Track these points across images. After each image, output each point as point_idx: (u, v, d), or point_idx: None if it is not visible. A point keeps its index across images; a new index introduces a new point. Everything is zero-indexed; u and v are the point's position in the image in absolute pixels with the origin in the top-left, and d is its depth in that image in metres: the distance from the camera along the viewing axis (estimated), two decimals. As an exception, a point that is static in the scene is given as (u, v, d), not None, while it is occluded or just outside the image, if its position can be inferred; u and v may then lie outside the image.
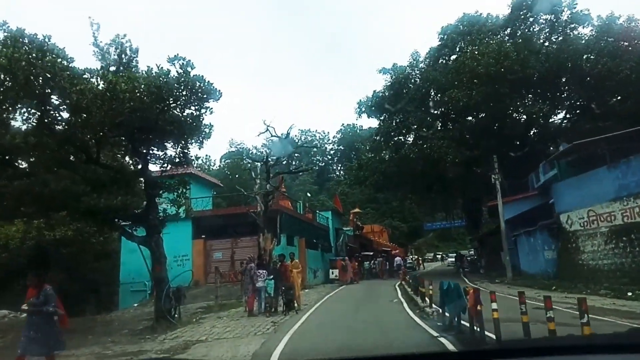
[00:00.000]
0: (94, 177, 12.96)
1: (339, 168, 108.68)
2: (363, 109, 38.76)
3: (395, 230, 79.04)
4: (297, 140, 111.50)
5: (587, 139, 20.94)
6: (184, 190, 14.27)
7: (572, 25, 31.99)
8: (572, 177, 22.02)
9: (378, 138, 39.65)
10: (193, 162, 14.20)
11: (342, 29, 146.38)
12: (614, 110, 27.23)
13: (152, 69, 11.78)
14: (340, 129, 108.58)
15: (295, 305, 14.87)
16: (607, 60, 27.44)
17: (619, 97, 27.43)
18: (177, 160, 14.20)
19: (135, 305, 21.26)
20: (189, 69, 12.04)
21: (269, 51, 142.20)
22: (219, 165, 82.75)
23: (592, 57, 28.36)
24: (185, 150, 14.03)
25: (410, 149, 33.88)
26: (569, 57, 28.43)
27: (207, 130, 13.82)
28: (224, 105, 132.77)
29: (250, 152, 71.79)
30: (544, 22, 33.60)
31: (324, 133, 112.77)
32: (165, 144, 13.73)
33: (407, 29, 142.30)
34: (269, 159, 21.29)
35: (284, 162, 22.64)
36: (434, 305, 12.09)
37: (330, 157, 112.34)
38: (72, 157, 13.22)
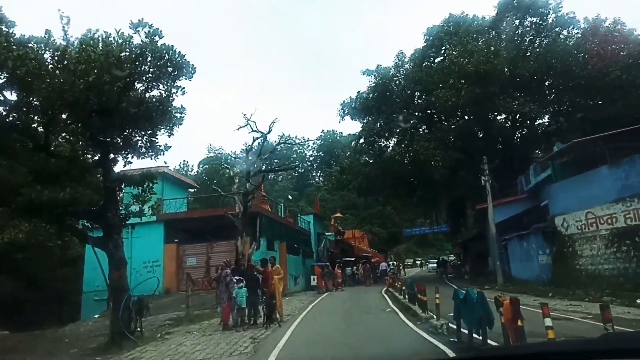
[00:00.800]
0: (41, 167, 10.80)
1: (318, 174, 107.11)
2: (346, 111, 37.18)
3: (375, 236, 77.65)
4: (276, 146, 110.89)
5: (577, 140, 19.75)
6: (150, 185, 12.18)
7: (558, 29, 31.16)
8: (569, 179, 20.77)
9: (361, 141, 38.15)
10: (162, 152, 12.02)
11: (325, 32, 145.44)
12: (603, 112, 26.24)
13: (110, 34, 9.70)
14: (320, 135, 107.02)
15: (277, 316, 12.91)
16: (597, 61, 26.57)
17: (608, 99, 26.46)
18: (143, 150, 12.13)
19: (97, 316, 18.86)
20: (156, 37, 10.04)
21: (248, 56, 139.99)
22: (197, 171, 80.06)
23: (580, 58, 27.49)
24: (154, 139, 11.97)
25: (395, 150, 32.38)
26: (558, 58, 27.47)
27: (178, 114, 11.82)
28: (202, 110, 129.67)
29: (229, 157, 69.44)
30: (529, 24, 32.75)
31: (304, 139, 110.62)
32: (129, 129, 11.64)
33: (391, 31, 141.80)
34: (249, 157, 19.34)
35: (265, 159, 20.69)
36: (441, 318, 10.30)
37: (309, 164, 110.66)
38: (16, 144, 11.03)
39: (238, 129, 19.18)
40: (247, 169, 19.18)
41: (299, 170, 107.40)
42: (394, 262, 54.47)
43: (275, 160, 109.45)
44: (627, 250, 17.37)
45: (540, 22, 31.90)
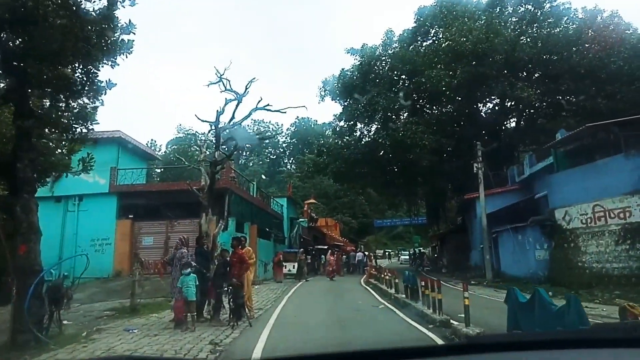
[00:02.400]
0: None
1: (290, 161, 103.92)
2: (327, 90, 34.17)
3: (346, 226, 75.47)
4: (249, 131, 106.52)
5: (591, 124, 17.48)
6: (85, 130, 8.87)
7: (550, 20, 28.99)
8: (573, 168, 18.58)
9: (342, 123, 35.30)
10: (103, 91, 8.71)
11: (309, 13, 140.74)
12: (604, 103, 24.30)
13: None
14: (295, 122, 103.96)
15: (247, 312, 9.94)
16: (598, 49, 24.61)
17: (609, 90, 24.53)
18: (78, 85, 8.81)
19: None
20: None
21: (222, 37, 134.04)
22: (165, 152, 75.39)
23: (580, 46, 25.47)
24: (91, 68, 8.68)
25: (379, 134, 29.65)
26: (557, 44, 25.35)
27: (127, 36, 8.55)
28: (172, 90, 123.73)
29: (199, 138, 65.10)
30: (524, 11, 30.52)
31: (278, 125, 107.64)
32: (56, 52, 8.27)
33: (380, 10, 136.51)
34: (220, 121, 16.09)
35: (239, 125, 17.46)
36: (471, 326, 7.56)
37: (282, 150, 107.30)
38: None
39: (208, 85, 15.81)
40: (217, 135, 15.96)
41: (272, 157, 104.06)
42: (366, 253, 52.17)
43: (247, 145, 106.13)
44: (643, 248, 15.30)
45: (536, 10, 29.73)
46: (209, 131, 17.19)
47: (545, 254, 19.17)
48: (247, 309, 9.95)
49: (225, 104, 16.81)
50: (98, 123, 8.84)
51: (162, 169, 32.81)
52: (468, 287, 9.25)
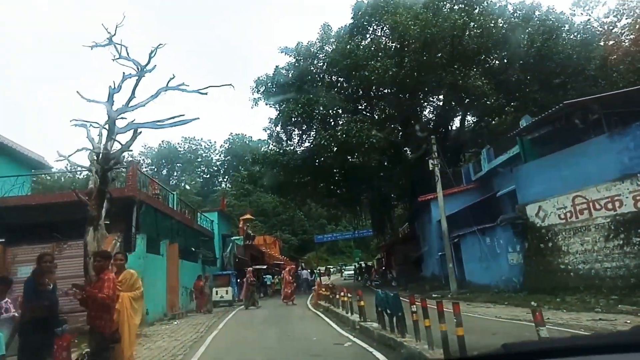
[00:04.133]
0: None
1: (225, 179, 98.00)
2: (261, 92, 30.25)
3: (285, 243, 71.11)
4: (179, 149, 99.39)
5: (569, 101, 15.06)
6: None
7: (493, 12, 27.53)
8: (546, 157, 16.06)
9: (279, 128, 31.47)
10: None
11: (234, 24, 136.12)
12: (554, 94, 22.61)
13: None
14: (228, 139, 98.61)
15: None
16: (547, 38, 23.04)
17: (558, 80, 22.95)
18: None
19: None
20: None
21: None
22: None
23: (526, 36, 23.82)
24: None
25: (321, 134, 26.10)
26: (503, 33, 23.53)
27: None
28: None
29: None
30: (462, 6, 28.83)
31: (210, 142, 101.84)
32: None
33: (314, 9, 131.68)
34: (113, 101, 11.57)
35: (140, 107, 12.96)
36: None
37: (216, 169, 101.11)
38: None
39: (92, 49, 11.29)
40: (110, 119, 11.44)
41: (205, 176, 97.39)
42: (308, 270, 48.06)
43: (178, 164, 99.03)
44: (640, 242, 12.78)
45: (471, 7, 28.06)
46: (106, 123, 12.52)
47: (519, 257, 16.35)
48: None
49: (123, 80, 12.35)
50: None
51: (50, 177, 26.78)
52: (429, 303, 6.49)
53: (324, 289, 16.82)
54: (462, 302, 15.75)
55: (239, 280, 28.34)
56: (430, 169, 19.66)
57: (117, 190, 15.13)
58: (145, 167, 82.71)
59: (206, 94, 13.70)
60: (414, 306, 6.81)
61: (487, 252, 17.51)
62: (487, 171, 20.90)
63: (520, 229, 16.42)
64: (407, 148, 24.08)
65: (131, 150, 11.40)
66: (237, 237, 34.06)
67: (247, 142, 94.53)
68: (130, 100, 12.21)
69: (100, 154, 11.47)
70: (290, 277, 20.87)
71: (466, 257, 19.57)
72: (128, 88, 12.18)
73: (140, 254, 14.87)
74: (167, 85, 13.12)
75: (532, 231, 16.00)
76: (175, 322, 14.86)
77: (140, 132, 11.91)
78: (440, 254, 21.64)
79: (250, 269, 22.45)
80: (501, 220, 16.91)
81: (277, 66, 29.36)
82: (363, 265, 40.44)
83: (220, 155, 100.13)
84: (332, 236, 71.09)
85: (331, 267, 72.04)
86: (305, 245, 78.45)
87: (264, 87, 29.99)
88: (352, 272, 46.19)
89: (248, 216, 38.31)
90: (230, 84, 13.60)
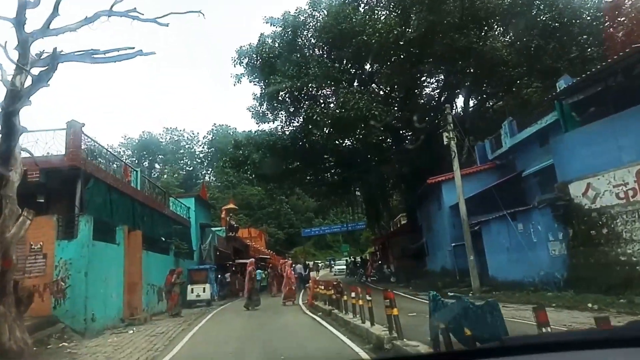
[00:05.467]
0: None
1: (209, 172, 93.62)
2: (245, 63, 26.51)
3: (271, 237, 67.51)
4: (161, 140, 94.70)
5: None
6: None
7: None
8: (597, 122, 12.87)
9: (265, 107, 27.81)
10: None
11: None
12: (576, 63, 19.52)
13: None
14: (212, 130, 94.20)
15: None
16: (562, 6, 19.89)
17: (578, 49, 19.83)
18: None
19: None
20: None
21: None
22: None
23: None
24: None
25: (313, 111, 22.56)
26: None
27: None
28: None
29: None
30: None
31: (193, 133, 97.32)
32: None
33: None
34: (25, 19, 7.92)
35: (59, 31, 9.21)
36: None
37: (200, 161, 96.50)
38: None
39: None
40: (23, 43, 7.85)
41: (188, 169, 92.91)
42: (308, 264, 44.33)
43: (160, 156, 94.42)
44: None
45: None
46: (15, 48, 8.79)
47: (562, 247, 13.13)
48: None
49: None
50: None
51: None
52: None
53: (321, 287, 13.34)
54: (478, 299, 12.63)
55: (219, 276, 24.77)
56: (445, 142, 16.28)
57: (55, 160, 11.44)
58: (126, 159, 78.32)
59: (167, 25, 10.05)
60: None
61: (520, 242, 14.23)
62: (509, 148, 17.69)
63: (562, 213, 13.21)
64: (413, 125, 20.68)
65: (47, 85, 7.70)
66: (219, 228, 30.38)
67: (232, 132, 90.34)
68: (51, 19, 8.52)
69: (7, 91, 7.97)
70: (291, 271, 17.27)
71: (489, 248, 16.28)
72: (50, 2, 8.49)
73: (84, 241, 11.19)
74: (110, 8, 9.44)
75: (578, 215, 12.79)
76: (131, 331, 11.24)
77: (58, 62, 8.25)
78: (454, 244, 18.40)
79: (253, 260, 18.74)
80: (539, 201, 13.66)
81: (261, 34, 25.62)
82: (358, 259, 37.02)
83: (203, 147, 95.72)
84: (320, 229, 67.74)
85: (319, 261, 68.67)
86: (292, 239, 75.08)
87: (247, 59, 26.24)
88: (344, 266, 42.78)
89: (231, 205, 34.55)
90: (199, 11, 10.07)
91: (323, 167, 30.17)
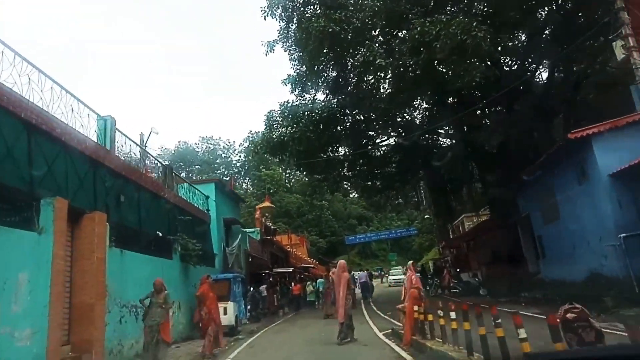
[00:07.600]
0: None
1: (246, 181, 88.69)
2: (277, 15, 20.03)
3: (312, 245, 61.07)
4: (197, 150, 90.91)
5: None
6: None
7: None
8: None
9: (303, 71, 21.21)
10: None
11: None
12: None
13: None
14: (248, 137, 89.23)
15: None
16: None
17: None
18: None
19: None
20: None
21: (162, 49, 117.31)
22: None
23: None
24: None
25: (371, 51, 15.60)
26: None
27: None
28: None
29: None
30: None
31: (229, 142, 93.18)
32: None
33: None
34: None
35: None
36: None
37: (237, 170, 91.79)
38: None
39: None
40: None
41: (225, 178, 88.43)
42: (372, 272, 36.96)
43: (197, 166, 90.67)
44: None
45: None
46: None
47: None
48: None
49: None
50: None
51: None
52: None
53: (412, 300, 6.27)
54: None
55: (251, 289, 18.20)
56: (623, 54, 9.02)
57: None
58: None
59: None
60: None
61: None
62: None
63: None
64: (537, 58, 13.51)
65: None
66: (252, 230, 23.90)
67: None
68: None
69: None
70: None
71: None
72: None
73: None
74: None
75: None
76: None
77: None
78: (623, 235, 10.87)
79: (343, 261, 11.62)
80: None
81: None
82: (430, 266, 29.44)
83: (240, 156, 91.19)
84: (365, 237, 60.58)
85: (373, 271, 61.32)
86: (334, 247, 68.46)
87: (280, 9, 19.81)
88: (400, 276, 35.13)
89: (267, 204, 27.92)
90: None
91: (379, 157, 23.42)
